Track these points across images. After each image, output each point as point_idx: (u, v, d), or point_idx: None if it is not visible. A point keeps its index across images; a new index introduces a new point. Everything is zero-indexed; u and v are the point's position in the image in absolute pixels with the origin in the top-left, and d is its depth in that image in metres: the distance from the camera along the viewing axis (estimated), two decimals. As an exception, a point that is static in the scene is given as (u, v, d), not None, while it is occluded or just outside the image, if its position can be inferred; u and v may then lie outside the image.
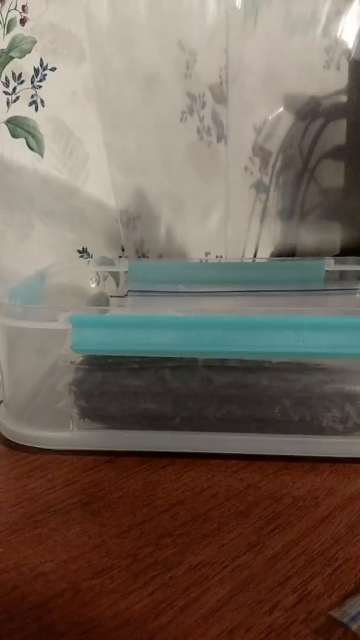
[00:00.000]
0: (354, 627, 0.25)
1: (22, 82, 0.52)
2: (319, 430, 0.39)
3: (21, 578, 0.28)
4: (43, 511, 0.34)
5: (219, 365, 0.40)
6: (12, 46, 0.51)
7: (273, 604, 0.27)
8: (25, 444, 0.41)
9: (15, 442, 0.41)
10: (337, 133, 0.78)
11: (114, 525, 0.33)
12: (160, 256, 0.70)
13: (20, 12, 0.51)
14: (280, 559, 0.30)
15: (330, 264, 0.57)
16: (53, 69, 0.54)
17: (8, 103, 0.52)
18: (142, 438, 0.40)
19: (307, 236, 0.89)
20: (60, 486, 0.36)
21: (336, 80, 0.82)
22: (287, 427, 0.39)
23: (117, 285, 0.62)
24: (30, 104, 0.53)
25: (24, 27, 0.51)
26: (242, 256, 0.83)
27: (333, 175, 0.83)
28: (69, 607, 0.27)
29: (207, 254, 0.77)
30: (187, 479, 0.37)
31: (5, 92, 0.51)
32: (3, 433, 0.43)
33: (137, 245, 0.67)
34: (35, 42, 0.52)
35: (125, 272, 0.58)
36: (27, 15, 0.51)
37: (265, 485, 0.36)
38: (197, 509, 0.34)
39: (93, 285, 0.62)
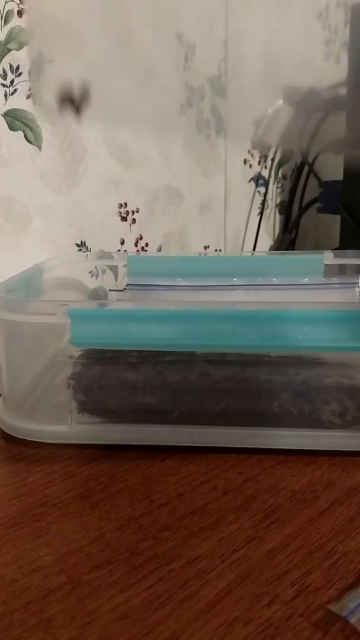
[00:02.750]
0: (352, 620, 0.25)
1: (20, 74, 0.52)
2: (318, 423, 0.39)
3: (20, 571, 0.28)
4: (42, 505, 0.34)
5: (218, 359, 0.40)
6: (9, 38, 0.50)
7: (272, 597, 0.27)
8: (24, 438, 0.41)
9: (14, 436, 0.41)
10: (337, 126, 0.78)
11: (112, 518, 0.33)
12: (159, 250, 0.70)
13: (17, 4, 0.50)
14: (279, 552, 0.30)
15: (330, 257, 0.56)
16: (51, 61, 0.54)
17: (6, 96, 0.51)
18: (140, 432, 0.40)
19: (306, 229, 0.89)
20: (59, 480, 0.36)
21: (335, 73, 0.82)
22: (285, 420, 0.39)
23: (116, 279, 0.62)
24: (28, 97, 0.53)
25: (22, 18, 0.51)
26: (241, 249, 0.82)
27: (332, 168, 0.83)
28: (68, 601, 0.27)
29: (206, 247, 0.77)
30: (186, 472, 0.37)
31: (3, 85, 0.51)
32: (2, 427, 0.43)
33: (135, 239, 0.67)
34: (33, 34, 0.52)
35: (124, 265, 0.58)
36: (25, 7, 0.51)
37: (264, 478, 0.36)
38: (196, 502, 0.34)
39: (92, 279, 0.62)
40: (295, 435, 0.39)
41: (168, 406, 0.40)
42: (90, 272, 0.62)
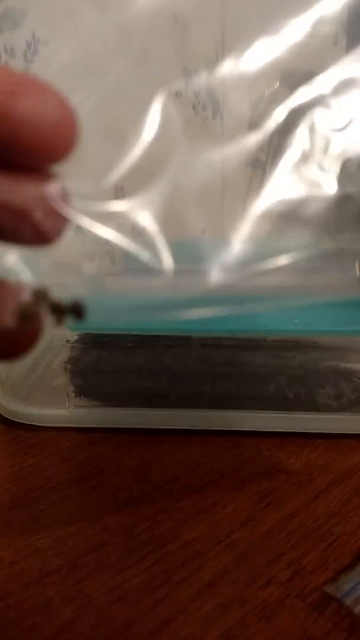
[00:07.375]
0: (347, 602, 0.25)
1: (14, 56, 0.51)
2: (314, 406, 0.39)
3: (18, 554, 0.29)
4: (40, 488, 0.34)
5: (215, 343, 0.40)
6: (3, 18, 0.50)
7: (268, 578, 0.27)
8: (21, 422, 0.41)
9: (11, 420, 0.41)
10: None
11: (109, 501, 0.33)
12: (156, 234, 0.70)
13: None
14: (275, 534, 0.30)
15: (327, 241, 0.56)
16: (45, 42, 0.53)
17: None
18: (137, 415, 0.40)
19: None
20: (56, 463, 0.37)
21: (333, 55, 0.81)
22: (282, 404, 0.40)
23: (113, 263, 0.62)
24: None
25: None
26: (238, 233, 0.82)
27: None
28: (65, 583, 0.27)
29: (202, 231, 0.77)
30: (183, 455, 0.37)
31: (-2, 67, 0.50)
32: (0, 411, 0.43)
33: (132, 223, 0.67)
34: (26, 13, 0.51)
35: (120, 250, 0.58)
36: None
37: (260, 461, 0.37)
38: (193, 484, 0.34)
39: (88, 263, 0.61)
40: (291, 418, 0.39)
41: (165, 390, 0.40)
42: (86, 257, 0.61)
